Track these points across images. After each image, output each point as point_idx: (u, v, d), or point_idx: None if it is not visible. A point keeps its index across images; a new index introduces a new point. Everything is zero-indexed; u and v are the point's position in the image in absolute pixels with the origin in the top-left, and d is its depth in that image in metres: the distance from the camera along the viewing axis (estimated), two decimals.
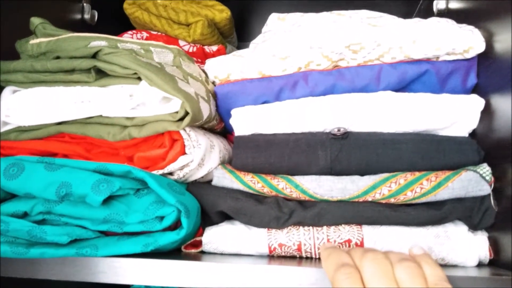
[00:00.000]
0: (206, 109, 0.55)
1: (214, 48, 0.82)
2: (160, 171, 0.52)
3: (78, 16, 0.79)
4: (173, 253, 0.52)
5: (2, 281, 0.55)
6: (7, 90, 0.52)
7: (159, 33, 0.81)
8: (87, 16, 0.80)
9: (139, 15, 0.81)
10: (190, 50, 0.79)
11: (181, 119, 0.51)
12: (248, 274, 0.45)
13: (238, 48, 0.98)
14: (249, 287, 0.45)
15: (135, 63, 0.49)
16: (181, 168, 0.53)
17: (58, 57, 0.51)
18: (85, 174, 0.46)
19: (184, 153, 0.52)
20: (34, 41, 0.53)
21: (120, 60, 0.49)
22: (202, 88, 0.57)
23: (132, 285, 0.84)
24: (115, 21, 0.85)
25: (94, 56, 0.50)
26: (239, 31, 0.99)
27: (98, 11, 0.82)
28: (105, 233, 0.49)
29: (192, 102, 0.50)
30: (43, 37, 0.54)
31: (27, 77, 0.51)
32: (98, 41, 0.52)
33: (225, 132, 0.71)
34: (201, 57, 0.80)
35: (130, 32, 0.80)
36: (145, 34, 0.80)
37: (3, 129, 0.52)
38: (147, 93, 0.50)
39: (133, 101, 0.50)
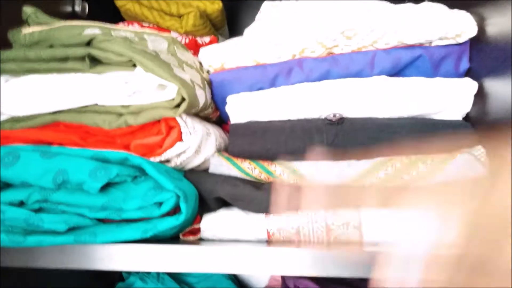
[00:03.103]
0: (202, 96, 0.55)
1: (207, 39, 0.82)
2: (157, 158, 0.51)
3: (69, 9, 0.78)
4: (171, 240, 0.52)
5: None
6: (1, 80, 0.51)
7: (151, 25, 0.81)
8: (77, 8, 0.79)
9: (130, 7, 0.80)
10: (183, 42, 0.79)
11: (178, 105, 0.50)
12: (247, 257, 0.45)
13: None
14: (248, 269, 0.45)
15: (130, 50, 0.49)
16: (178, 155, 0.53)
17: (51, 46, 0.51)
18: (82, 161, 0.46)
19: (181, 140, 0.52)
20: (26, 30, 0.52)
21: (115, 47, 0.48)
22: (197, 75, 0.57)
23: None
24: (106, 13, 0.84)
25: (88, 44, 0.50)
26: (231, 23, 0.98)
27: (89, 3, 0.81)
28: (103, 221, 0.49)
29: (188, 88, 0.50)
30: (36, 26, 0.53)
31: (20, 66, 0.50)
32: (92, 29, 0.51)
33: (220, 121, 0.71)
34: (194, 48, 0.79)
35: (121, 24, 0.79)
36: (136, 26, 0.79)
37: None
38: (142, 80, 0.50)
39: (129, 89, 0.50)
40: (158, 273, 0.84)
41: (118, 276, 0.87)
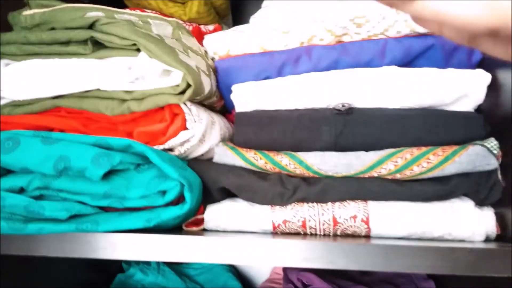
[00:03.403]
0: (207, 83, 0.53)
1: (211, 27, 0.80)
2: (161, 147, 0.50)
3: None
4: (174, 231, 0.51)
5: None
6: (0, 63, 0.50)
7: (154, 12, 0.79)
8: None
9: None
10: None
11: (182, 92, 0.49)
12: (252, 248, 0.44)
13: None
14: (252, 260, 0.44)
15: (134, 33, 0.47)
16: (182, 144, 0.51)
17: (53, 29, 0.49)
18: (84, 148, 0.45)
19: (185, 128, 0.51)
20: (27, 12, 0.51)
21: (118, 30, 0.47)
22: (203, 62, 0.56)
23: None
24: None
25: (91, 27, 0.48)
26: (235, 12, 0.97)
27: None
28: (106, 209, 0.47)
29: (194, 74, 0.49)
30: (37, 8, 0.52)
31: (21, 49, 0.49)
32: (95, 11, 0.50)
33: (224, 111, 0.69)
34: (197, 36, 0.77)
35: (126, 10, 0.77)
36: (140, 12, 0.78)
37: None
38: (146, 65, 0.48)
39: (132, 74, 0.48)
40: (158, 265, 0.83)
41: (118, 268, 0.86)
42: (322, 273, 0.71)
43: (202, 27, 0.79)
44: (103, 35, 0.48)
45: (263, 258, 0.44)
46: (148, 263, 0.84)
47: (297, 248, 0.44)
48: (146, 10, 0.78)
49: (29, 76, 0.49)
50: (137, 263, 0.84)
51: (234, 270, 0.90)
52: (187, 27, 0.77)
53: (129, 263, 0.85)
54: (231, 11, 0.94)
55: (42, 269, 0.66)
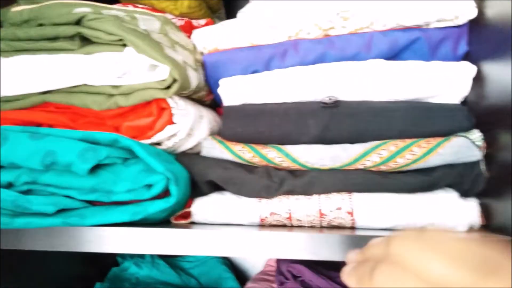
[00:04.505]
0: (195, 78, 0.54)
1: (202, 22, 0.80)
2: (148, 141, 0.51)
3: None
4: (162, 224, 0.51)
5: None
6: None
7: (145, 7, 0.79)
8: None
9: None
10: (177, 24, 0.77)
11: (169, 87, 0.49)
12: (238, 240, 0.45)
13: None
14: (240, 252, 0.45)
15: (121, 29, 0.48)
16: (169, 138, 0.52)
17: (41, 25, 0.50)
18: (71, 143, 0.45)
19: (172, 122, 0.51)
20: (16, 8, 0.51)
21: (105, 26, 0.47)
22: (190, 56, 0.56)
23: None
24: None
25: (78, 22, 0.49)
26: (228, 6, 0.97)
27: None
28: (93, 203, 0.48)
29: (180, 69, 0.49)
30: (26, 4, 0.52)
31: (9, 46, 0.50)
32: (82, 7, 0.50)
33: (214, 105, 0.70)
34: (189, 31, 0.78)
35: (116, 5, 0.78)
36: (131, 8, 0.78)
37: None
38: (133, 60, 0.49)
39: (119, 69, 0.49)
40: (152, 258, 0.84)
41: (112, 262, 0.87)
42: (312, 265, 0.71)
43: (194, 22, 0.80)
44: (90, 30, 0.48)
45: (249, 250, 0.45)
46: (142, 256, 0.85)
47: (282, 240, 0.45)
48: (137, 5, 0.79)
49: (17, 72, 0.50)
50: (132, 256, 0.85)
51: (228, 263, 0.91)
52: (178, 21, 0.77)
53: (123, 256, 0.86)
54: (224, 6, 0.94)
55: (35, 263, 0.66)
